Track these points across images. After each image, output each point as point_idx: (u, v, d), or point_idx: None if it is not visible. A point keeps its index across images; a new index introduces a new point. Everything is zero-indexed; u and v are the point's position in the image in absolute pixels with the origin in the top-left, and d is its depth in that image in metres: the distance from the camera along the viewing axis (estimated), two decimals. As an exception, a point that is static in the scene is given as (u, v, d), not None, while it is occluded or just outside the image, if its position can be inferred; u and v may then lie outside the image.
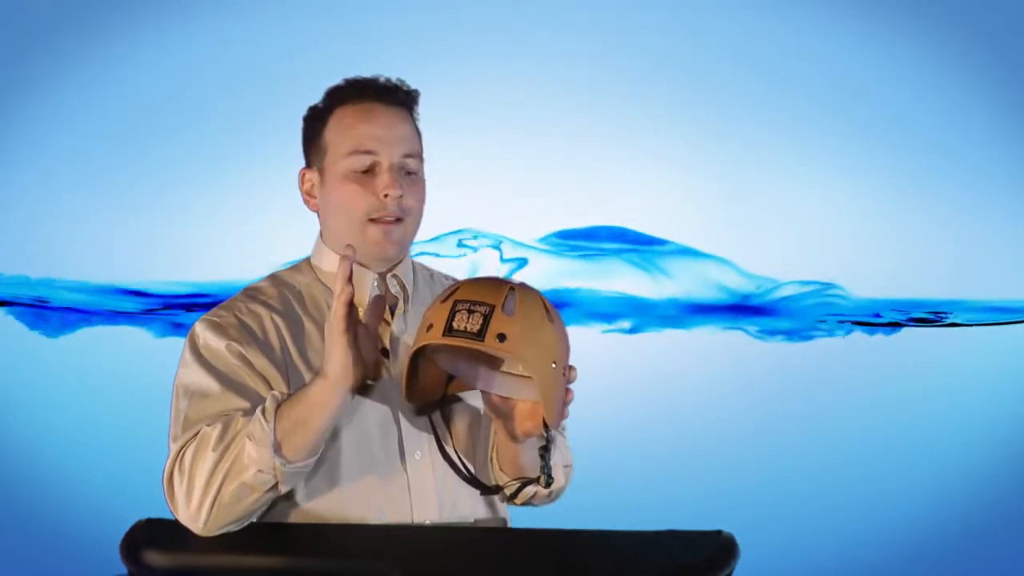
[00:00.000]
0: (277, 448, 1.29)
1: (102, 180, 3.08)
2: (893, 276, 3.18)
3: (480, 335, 1.22)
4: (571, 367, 1.33)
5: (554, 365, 1.27)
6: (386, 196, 1.43)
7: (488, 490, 1.41)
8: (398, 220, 1.45)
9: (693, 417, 3.08)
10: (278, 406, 1.31)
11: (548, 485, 1.36)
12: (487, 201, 3.07)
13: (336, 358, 1.29)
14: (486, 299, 1.25)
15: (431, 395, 1.41)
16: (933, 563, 3.06)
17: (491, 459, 1.48)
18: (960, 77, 3.12)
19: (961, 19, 3.10)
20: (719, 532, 1.33)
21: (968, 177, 3.15)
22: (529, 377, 1.32)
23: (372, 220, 1.44)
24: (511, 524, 1.55)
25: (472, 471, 1.42)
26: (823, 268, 3.17)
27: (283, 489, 1.34)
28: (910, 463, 3.11)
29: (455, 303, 1.25)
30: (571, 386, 1.34)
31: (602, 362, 3.05)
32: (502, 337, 1.23)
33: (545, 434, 1.33)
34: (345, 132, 1.46)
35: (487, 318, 1.23)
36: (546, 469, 1.34)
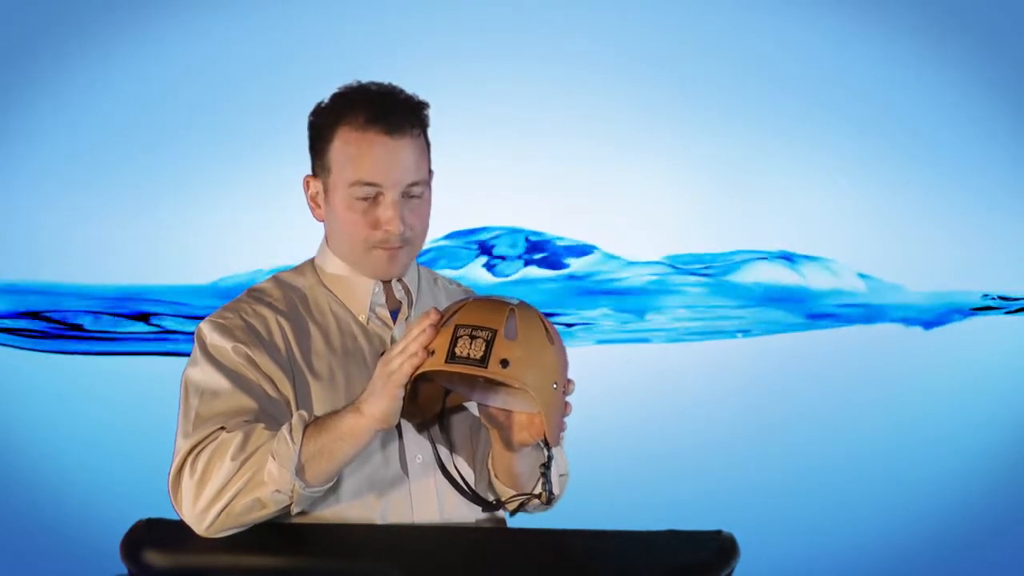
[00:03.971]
0: (299, 471, 1.29)
1: (102, 181, 3.08)
2: (892, 273, 3.18)
3: (483, 361, 1.22)
4: (569, 380, 1.33)
5: (555, 386, 1.27)
6: (387, 230, 1.43)
7: (490, 506, 1.41)
8: (403, 246, 1.46)
9: (693, 417, 3.08)
10: (305, 427, 1.30)
11: (549, 502, 1.37)
12: (481, 201, 3.07)
13: (383, 404, 1.27)
14: (487, 323, 1.24)
15: (429, 410, 1.40)
16: (933, 563, 3.06)
17: (487, 467, 1.48)
18: (960, 76, 3.13)
19: (961, 18, 3.10)
20: (719, 532, 1.33)
21: (968, 175, 3.15)
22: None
23: (375, 246, 1.45)
24: (509, 525, 1.55)
25: (472, 487, 1.41)
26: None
27: (294, 510, 1.34)
28: (911, 462, 3.11)
29: (456, 328, 1.25)
30: (569, 398, 1.34)
31: (602, 362, 3.06)
32: (505, 363, 1.22)
33: (545, 451, 1.33)
34: (348, 161, 1.43)
35: (489, 344, 1.23)
36: (547, 486, 1.34)
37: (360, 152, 1.43)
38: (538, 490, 1.40)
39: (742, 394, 3.11)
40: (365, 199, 1.43)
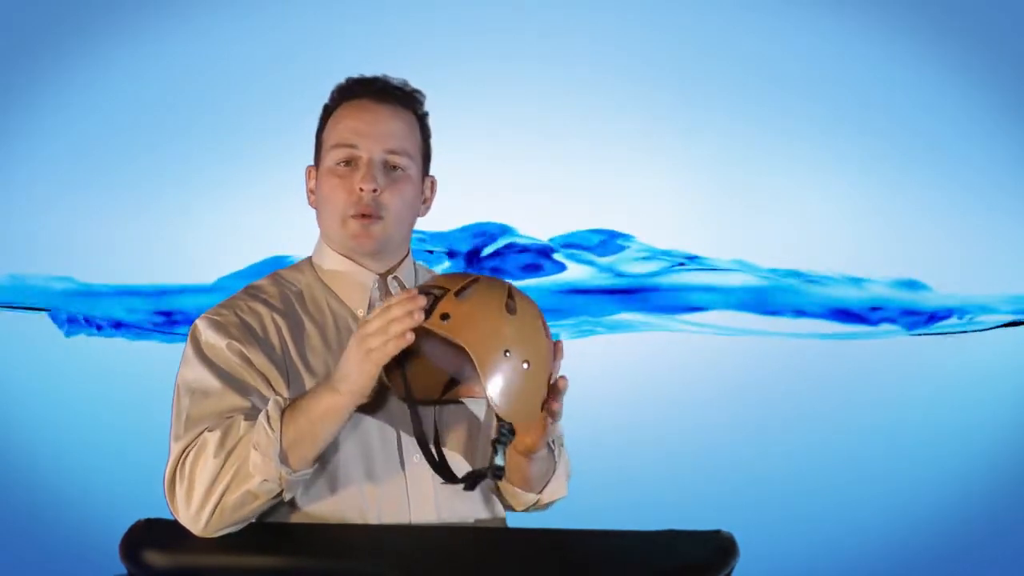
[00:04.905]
0: (283, 458, 1.28)
1: (102, 181, 3.08)
2: (892, 274, 3.18)
3: (426, 315, 1.23)
4: (562, 377, 1.31)
5: (507, 354, 1.25)
6: (361, 190, 1.44)
7: (451, 479, 1.35)
8: (378, 217, 1.46)
9: (693, 417, 3.08)
10: (282, 412, 1.30)
11: (497, 477, 1.32)
12: (483, 201, 3.07)
13: (361, 382, 1.26)
14: (446, 284, 1.27)
15: (422, 392, 1.38)
16: (932, 563, 3.06)
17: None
18: (959, 76, 3.13)
19: (961, 18, 3.10)
20: (719, 532, 1.33)
21: (968, 175, 3.15)
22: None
23: (352, 216, 1.45)
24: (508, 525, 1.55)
25: (438, 457, 1.37)
26: (824, 265, 3.17)
27: (287, 496, 1.33)
28: (910, 464, 3.11)
29: (421, 287, 1.28)
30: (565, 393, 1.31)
31: (602, 361, 3.05)
32: (445, 317, 1.23)
33: (500, 424, 1.30)
34: (333, 128, 1.48)
35: (437, 299, 1.24)
36: (495, 458, 1.30)
37: (344, 117, 1.48)
38: (537, 486, 1.40)
39: (742, 394, 3.11)
40: (345, 163, 1.46)
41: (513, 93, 3.06)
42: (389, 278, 1.51)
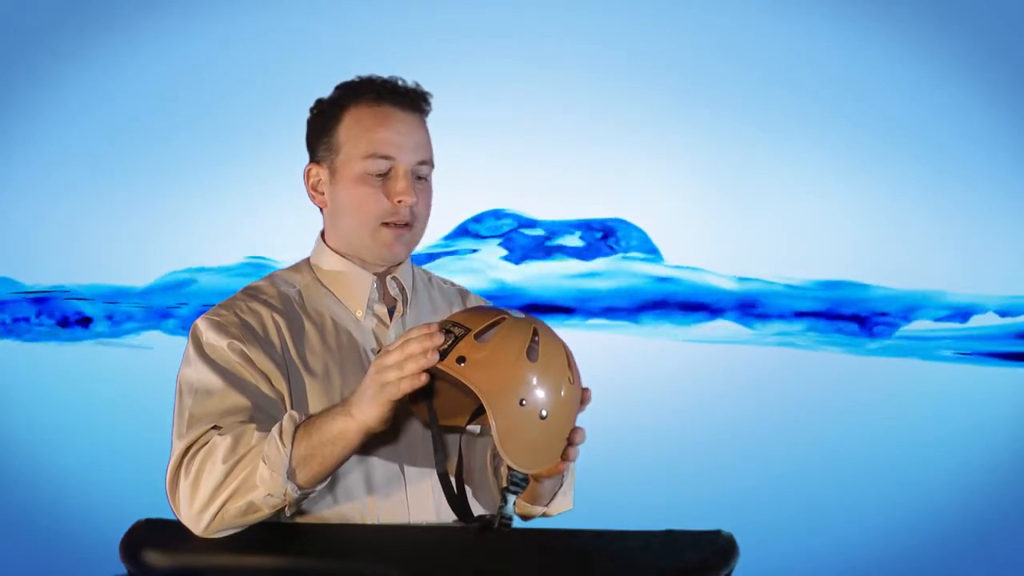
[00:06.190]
0: (291, 474, 1.28)
1: (103, 181, 3.08)
2: (893, 274, 3.18)
3: (443, 356, 1.20)
4: (580, 428, 1.30)
5: (522, 403, 1.21)
6: (400, 202, 1.43)
7: (466, 518, 1.35)
8: (407, 225, 1.45)
9: (693, 418, 3.08)
10: (296, 428, 1.29)
11: (504, 527, 1.31)
12: (485, 201, 3.07)
13: (375, 412, 1.25)
14: (468, 323, 1.23)
15: (449, 417, 1.36)
16: (931, 563, 3.06)
17: (489, 477, 1.48)
18: (960, 77, 3.13)
19: (961, 19, 3.10)
20: (719, 532, 1.33)
21: (968, 175, 3.15)
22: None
23: (384, 224, 1.44)
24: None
25: (458, 494, 1.37)
26: (823, 268, 3.17)
27: (289, 512, 1.33)
28: (911, 462, 3.11)
29: (444, 323, 1.24)
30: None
31: (602, 361, 3.05)
32: (461, 360, 1.20)
33: (507, 471, 1.27)
34: (362, 134, 1.44)
35: (457, 340, 1.21)
36: (503, 508, 1.29)
37: (375, 125, 1.44)
38: (543, 503, 1.42)
39: (742, 395, 3.11)
40: (379, 174, 1.43)
41: (511, 94, 3.06)
42: (388, 278, 1.51)
